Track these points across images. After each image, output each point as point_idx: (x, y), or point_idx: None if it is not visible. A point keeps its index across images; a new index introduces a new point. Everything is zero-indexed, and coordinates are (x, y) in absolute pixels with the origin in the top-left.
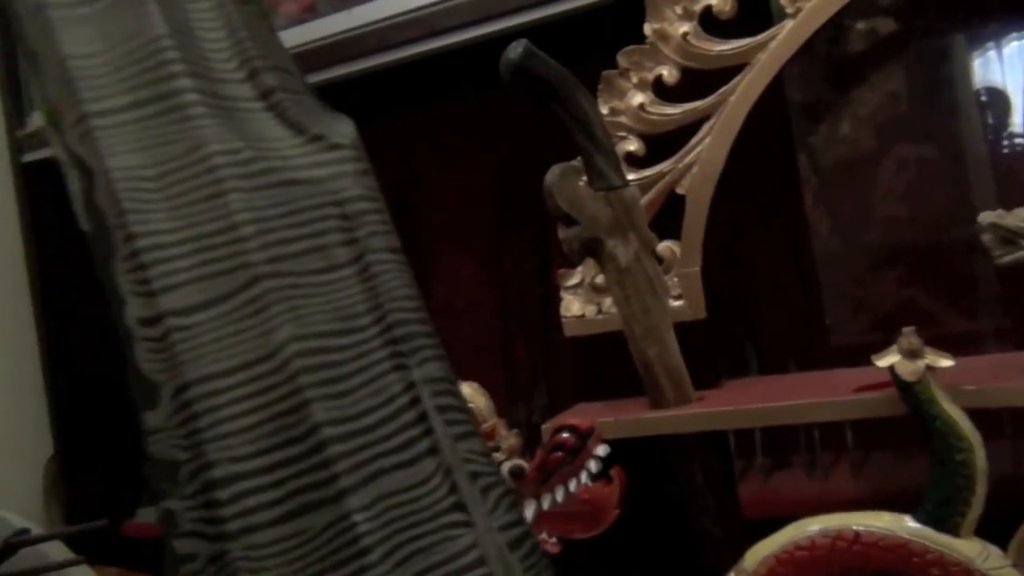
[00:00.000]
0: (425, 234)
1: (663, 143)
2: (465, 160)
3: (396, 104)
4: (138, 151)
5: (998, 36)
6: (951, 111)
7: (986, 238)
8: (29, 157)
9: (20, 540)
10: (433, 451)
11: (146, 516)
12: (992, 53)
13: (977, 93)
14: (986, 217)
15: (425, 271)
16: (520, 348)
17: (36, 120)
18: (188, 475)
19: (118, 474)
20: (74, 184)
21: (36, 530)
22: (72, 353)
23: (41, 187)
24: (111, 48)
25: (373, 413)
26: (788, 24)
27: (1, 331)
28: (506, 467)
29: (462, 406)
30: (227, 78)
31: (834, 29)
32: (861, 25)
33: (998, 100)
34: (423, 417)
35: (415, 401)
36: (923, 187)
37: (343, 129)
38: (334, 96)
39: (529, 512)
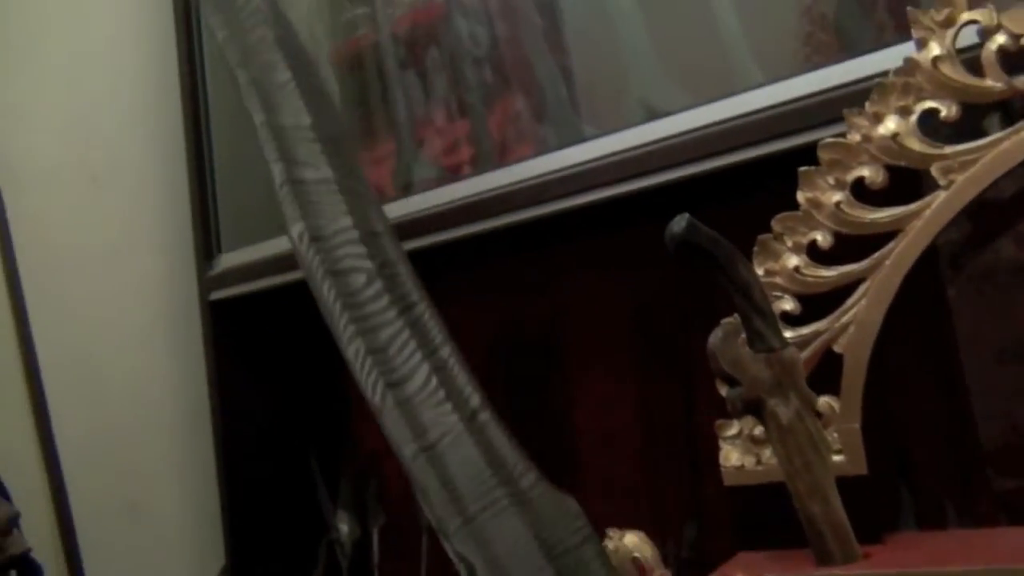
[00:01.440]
0: (567, 365)
1: (817, 300)
2: (607, 294)
3: (542, 242)
4: None
5: None
6: None
7: None
8: (216, 296)
9: None
10: None
11: None
12: None
13: None
14: None
15: (569, 401)
16: (668, 483)
17: (224, 260)
18: None
19: None
20: None
21: None
22: (247, 472)
23: (226, 325)
24: None
25: None
26: (941, 195)
27: (184, 451)
28: None
29: None
30: None
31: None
32: (1014, 178)
33: None
34: None
35: None
36: None
37: None
38: (481, 242)
39: None
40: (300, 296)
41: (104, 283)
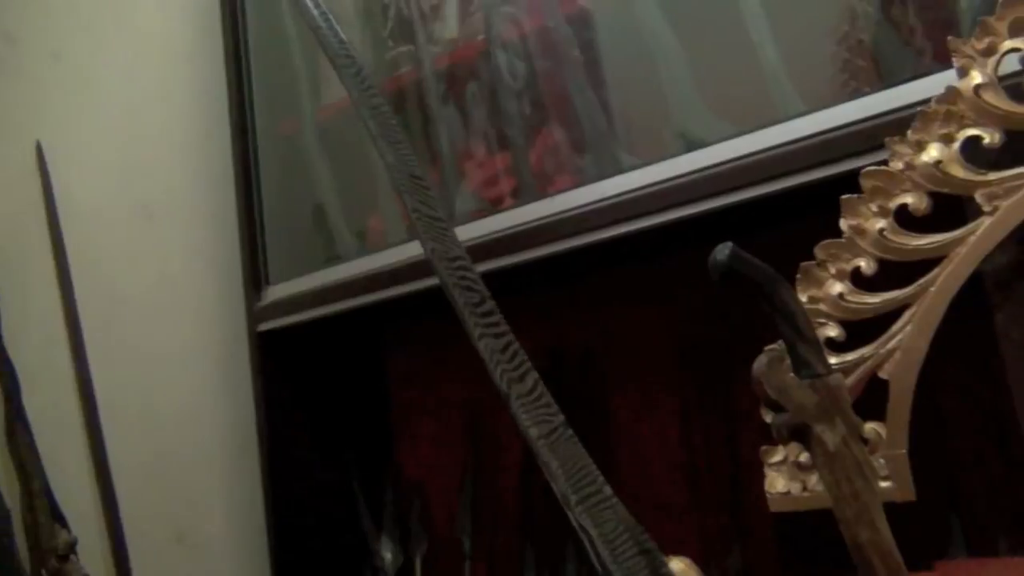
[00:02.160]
0: (609, 394)
1: (862, 327)
2: (649, 324)
3: (584, 272)
4: None
5: None
6: None
7: None
8: (264, 327)
9: None
10: None
11: None
12: None
13: None
14: None
15: (610, 431)
16: (712, 510)
17: (272, 292)
18: None
19: None
20: None
21: None
22: (292, 498)
23: (273, 354)
24: None
25: None
26: (986, 221)
27: (232, 480)
28: None
29: None
30: None
31: None
32: None
33: None
34: None
35: None
36: None
37: None
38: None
39: None
40: (344, 326)
41: (157, 315)
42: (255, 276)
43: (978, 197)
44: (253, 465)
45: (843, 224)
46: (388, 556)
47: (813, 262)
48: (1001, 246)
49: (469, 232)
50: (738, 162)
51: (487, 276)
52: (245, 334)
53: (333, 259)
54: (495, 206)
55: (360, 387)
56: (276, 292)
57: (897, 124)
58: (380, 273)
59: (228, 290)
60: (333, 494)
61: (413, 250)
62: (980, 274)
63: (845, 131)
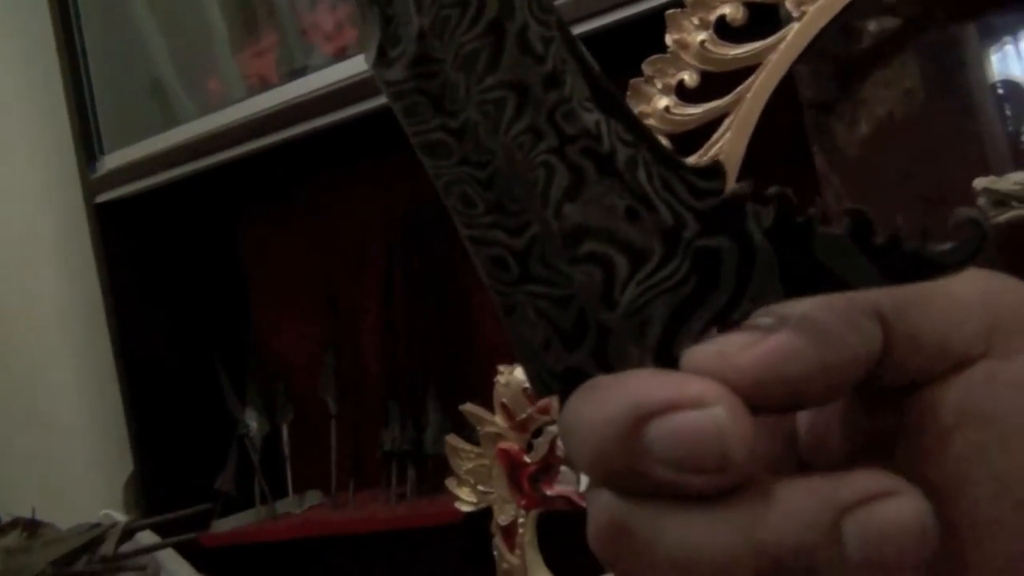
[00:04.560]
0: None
1: (685, 140)
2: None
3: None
4: None
5: (1012, 28)
6: (965, 103)
7: (981, 201)
8: (102, 198)
9: (139, 525)
10: None
11: (222, 526)
12: (1008, 45)
13: (993, 86)
14: (980, 182)
15: (470, 288)
16: None
17: (109, 161)
18: None
19: (196, 488)
20: None
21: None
22: (148, 376)
23: (115, 228)
24: None
25: None
26: (795, 26)
27: (82, 359)
28: None
29: None
30: None
31: (842, 28)
32: (869, 24)
33: (1015, 92)
34: None
35: None
36: (938, 178)
37: None
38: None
39: None
40: (190, 194)
41: None
42: (87, 145)
43: (788, 3)
44: (106, 344)
45: (668, 39)
46: (254, 425)
47: (641, 78)
48: (817, 71)
49: (315, 83)
50: None
51: (342, 128)
52: (83, 206)
53: (171, 123)
54: (340, 56)
55: (213, 259)
56: (112, 160)
57: None
58: (220, 132)
59: (61, 164)
60: (192, 369)
61: (255, 106)
62: (792, 78)
63: None
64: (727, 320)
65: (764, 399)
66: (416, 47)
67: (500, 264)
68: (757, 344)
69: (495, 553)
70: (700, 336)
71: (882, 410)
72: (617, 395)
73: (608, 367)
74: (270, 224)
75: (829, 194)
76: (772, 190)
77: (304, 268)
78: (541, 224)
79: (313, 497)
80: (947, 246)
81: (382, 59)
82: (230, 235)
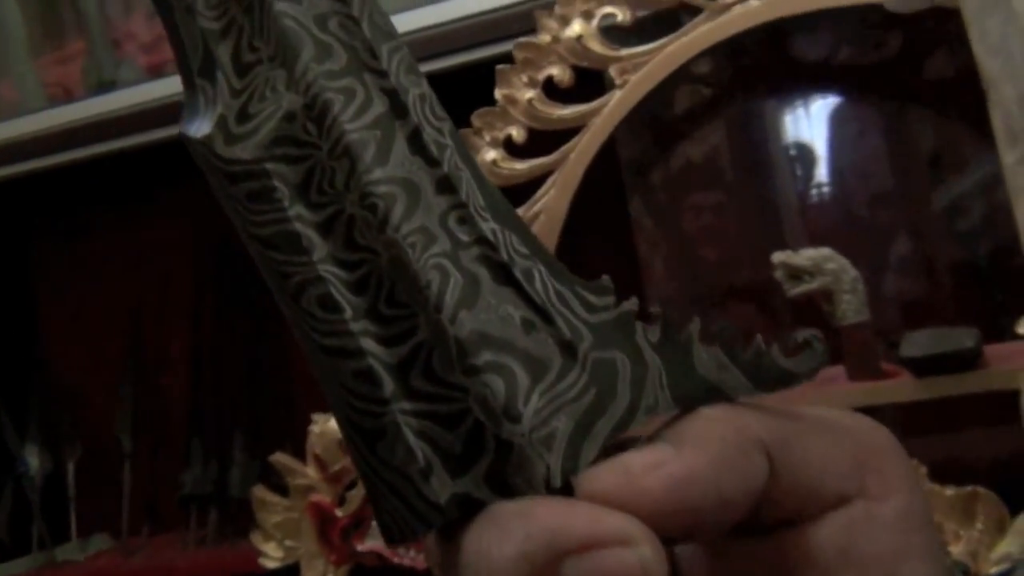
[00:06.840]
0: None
1: (510, 195)
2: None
3: None
4: None
5: (805, 98)
6: (763, 164)
7: (778, 274)
8: None
9: None
10: None
11: None
12: (800, 112)
13: (786, 148)
14: (777, 257)
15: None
16: None
17: None
18: None
19: None
20: None
21: None
22: None
23: None
24: None
25: None
26: (617, 93)
27: None
28: None
29: None
30: None
31: (660, 95)
32: (683, 91)
33: (805, 154)
34: None
35: None
36: (740, 234)
37: None
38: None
39: None
40: None
41: None
42: None
43: (612, 71)
44: None
45: (498, 93)
46: (34, 461)
47: (471, 129)
48: (635, 133)
49: (130, 99)
50: (412, 35)
51: (154, 148)
52: None
53: None
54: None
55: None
56: None
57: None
58: (12, 144)
59: None
60: None
61: (55, 119)
62: (614, 141)
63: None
64: (625, 430)
65: (667, 528)
66: (277, 126)
67: (368, 379)
68: (662, 467)
69: None
70: (602, 449)
71: (747, 550)
72: (528, 527)
73: (507, 490)
74: (67, 241)
75: (642, 240)
76: (654, 310)
77: (103, 291)
78: (434, 332)
79: (100, 542)
80: (798, 358)
81: (223, 133)
82: (20, 250)
